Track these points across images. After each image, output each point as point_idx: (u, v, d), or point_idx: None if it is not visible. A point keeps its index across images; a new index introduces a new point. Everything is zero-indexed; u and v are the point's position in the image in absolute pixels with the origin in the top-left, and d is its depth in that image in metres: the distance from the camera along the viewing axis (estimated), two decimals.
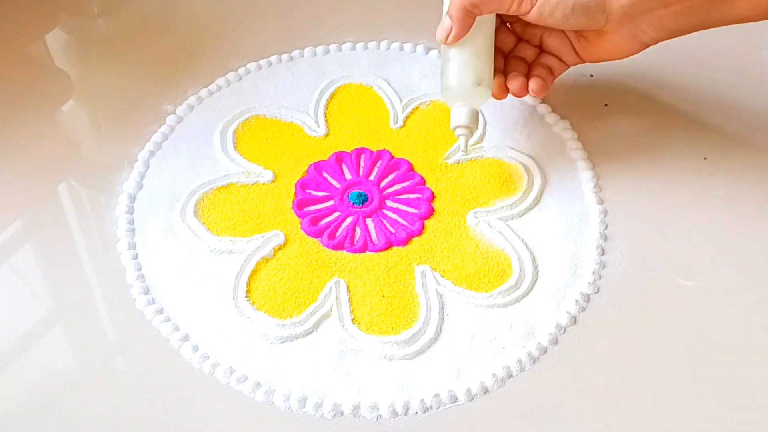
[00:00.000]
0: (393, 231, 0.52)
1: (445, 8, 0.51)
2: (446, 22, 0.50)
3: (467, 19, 0.49)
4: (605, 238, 0.52)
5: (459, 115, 0.51)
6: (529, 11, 0.49)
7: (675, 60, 0.62)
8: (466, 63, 0.50)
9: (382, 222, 0.53)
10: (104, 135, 0.60)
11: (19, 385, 0.46)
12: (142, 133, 0.58)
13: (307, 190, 0.55)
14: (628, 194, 0.54)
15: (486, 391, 0.46)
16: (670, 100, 0.60)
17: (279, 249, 0.51)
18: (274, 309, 0.49)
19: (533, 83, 0.52)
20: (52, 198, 0.55)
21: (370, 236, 0.52)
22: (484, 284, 0.50)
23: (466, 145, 0.52)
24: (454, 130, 0.52)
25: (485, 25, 0.51)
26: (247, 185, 0.55)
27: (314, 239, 0.52)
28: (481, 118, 0.58)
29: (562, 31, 0.53)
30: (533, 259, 0.51)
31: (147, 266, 0.51)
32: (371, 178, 0.55)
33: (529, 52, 0.54)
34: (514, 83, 0.52)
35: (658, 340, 0.47)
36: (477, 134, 0.57)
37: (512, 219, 0.53)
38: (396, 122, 0.58)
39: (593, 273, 0.50)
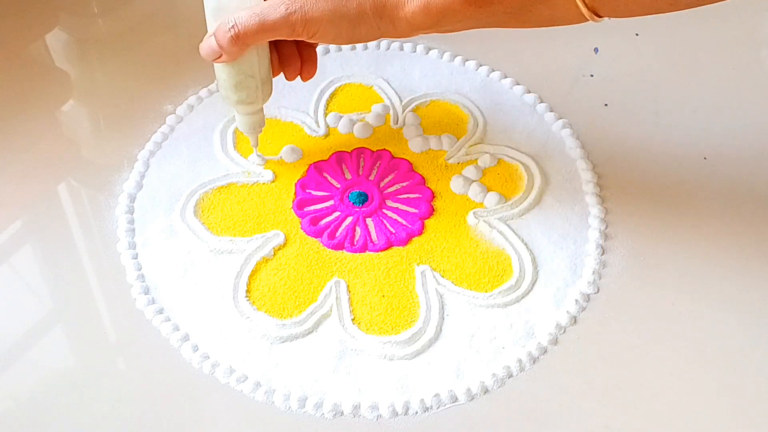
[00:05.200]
0: (393, 231, 0.52)
1: (208, 14, 0.46)
2: (212, 43, 0.46)
3: (237, 51, 0.46)
4: (605, 237, 0.52)
5: (241, 123, 0.51)
6: (309, 38, 0.45)
7: (675, 60, 0.63)
8: (239, 84, 0.48)
9: (382, 222, 0.53)
10: (104, 135, 0.60)
11: (19, 385, 0.46)
12: (142, 133, 0.58)
13: (307, 190, 0.55)
14: (628, 194, 0.54)
15: (486, 391, 0.46)
16: (670, 100, 0.60)
17: (279, 249, 0.51)
18: (274, 309, 0.49)
19: (309, 73, 0.50)
20: (52, 198, 0.55)
21: (370, 236, 0.52)
22: (484, 284, 0.50)
23: (257, 144, 0.54)
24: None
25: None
26: (247, 185, 0.55)
27: (314, 239, 0.52)
28: (480, 117, 0.58)
29: None
30: (533, 259, 0.51)
31: (147, 266, 0.51)
32: (371, 178, 0.55)
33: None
34: (291, 74, 0.50)
35: (658, 340, 0.47)
36: (477, 134, 0.57)
37: (512, 219, 0.53)
38: (396, 122, 0.58)
39: (593, 273, 0.50)
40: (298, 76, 0.50)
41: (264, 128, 0.53)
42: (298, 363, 0.47)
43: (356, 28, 0.45)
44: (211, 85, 0.61)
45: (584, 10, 0.42)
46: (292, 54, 0.49)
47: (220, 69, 0.48)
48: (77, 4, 0.68)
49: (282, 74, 0.50)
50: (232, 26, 0.45)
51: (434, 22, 0.44)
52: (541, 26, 0.45)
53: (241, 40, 0.45)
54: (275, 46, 0.49)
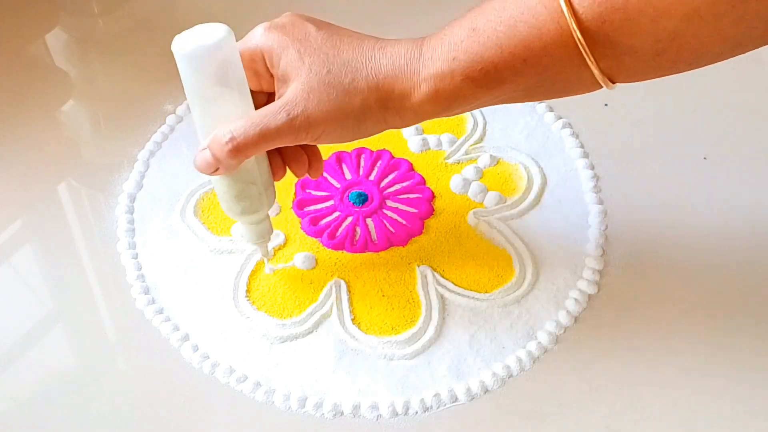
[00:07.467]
0: (393, 231, 0.52)
1: (198, 124, 0.43)
2: (207, 156, 0.41)
3: (236, 163, 0.42)
4: (605, 238, 0.52)
5: (248, 234, 0.47)
6: (313, 141, 0.42)
7: None
8: (240, 193, 0.44)
9: (382, 222, 0.53)
10: (104, 135, 0.60)
11: (19, 385, 0.46)
12: (142, 133, 0.58)
13: (307, 190, 0.55)
14: (628, 194, 0.54)
15: (486, 391, 0.46)
16: (670, 100, 0.60)
17: (279, 249, 0.51)
18: (274, 309, 0.49)
19: (317, 170, 0.47)
20: (52, 198, 0.55)
21: (370, 236, 0.52)
22: (484, 284, 0.50)
23: (267, 254, 0.49)
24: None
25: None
26: None
27: (314, 239, 0.52)
28: (480, 117, 0.58)
29: None
30: (533, 259, 0.51)
31: (147, 266, 0.51)
32: (371, 178, 0.55)
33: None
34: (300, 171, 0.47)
35: (658, 340, 0.47)
36: (477, 134, 0.57)
37: (512, 219, 0.53)
38: None
39: (593, 273, 0.50)
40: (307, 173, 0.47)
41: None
42: (298, 363, 0.47)
43: (361, 125, 0.41)
44: None
45: (600, 78, 0.39)
46: (297, 151, 0.46)
47: (219, 181, 0.44)
48: (77, 4, 0.68)
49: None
50: (230, 138, 0.40)
51: (443, 109, 0.41)
52: (555, 98, 0.42)
53: (241, 152, 0.40)
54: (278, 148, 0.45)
